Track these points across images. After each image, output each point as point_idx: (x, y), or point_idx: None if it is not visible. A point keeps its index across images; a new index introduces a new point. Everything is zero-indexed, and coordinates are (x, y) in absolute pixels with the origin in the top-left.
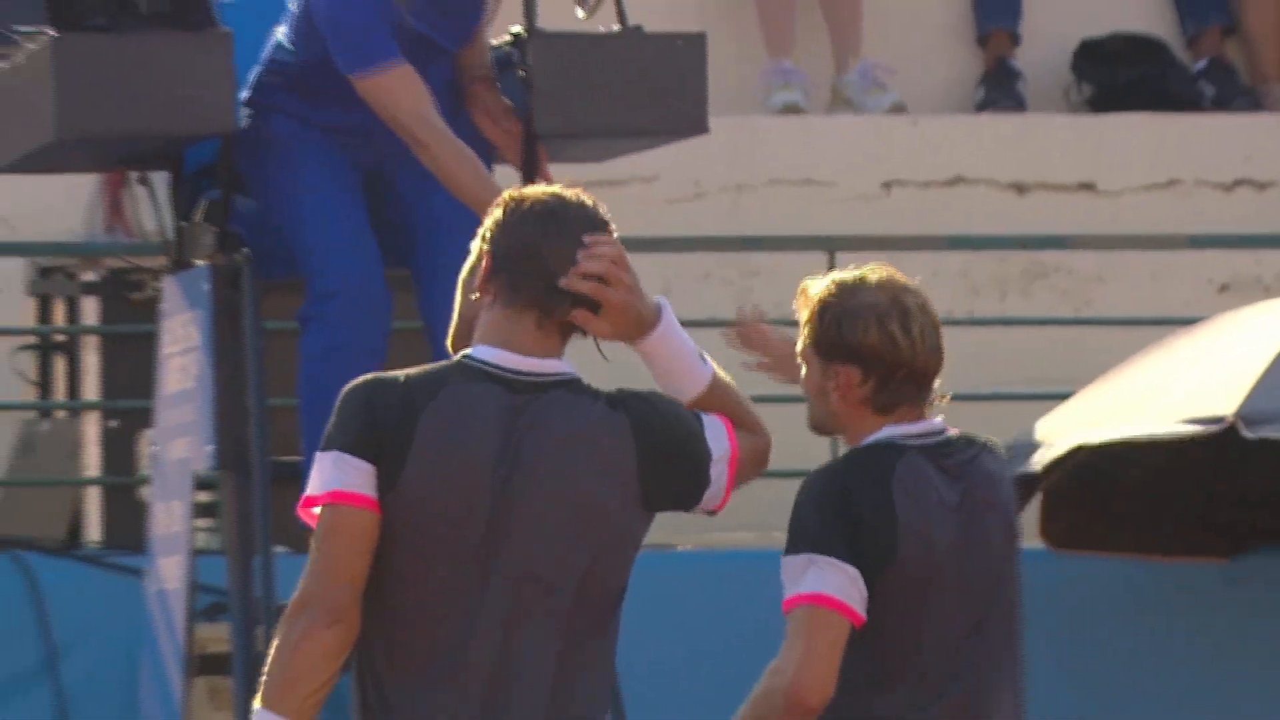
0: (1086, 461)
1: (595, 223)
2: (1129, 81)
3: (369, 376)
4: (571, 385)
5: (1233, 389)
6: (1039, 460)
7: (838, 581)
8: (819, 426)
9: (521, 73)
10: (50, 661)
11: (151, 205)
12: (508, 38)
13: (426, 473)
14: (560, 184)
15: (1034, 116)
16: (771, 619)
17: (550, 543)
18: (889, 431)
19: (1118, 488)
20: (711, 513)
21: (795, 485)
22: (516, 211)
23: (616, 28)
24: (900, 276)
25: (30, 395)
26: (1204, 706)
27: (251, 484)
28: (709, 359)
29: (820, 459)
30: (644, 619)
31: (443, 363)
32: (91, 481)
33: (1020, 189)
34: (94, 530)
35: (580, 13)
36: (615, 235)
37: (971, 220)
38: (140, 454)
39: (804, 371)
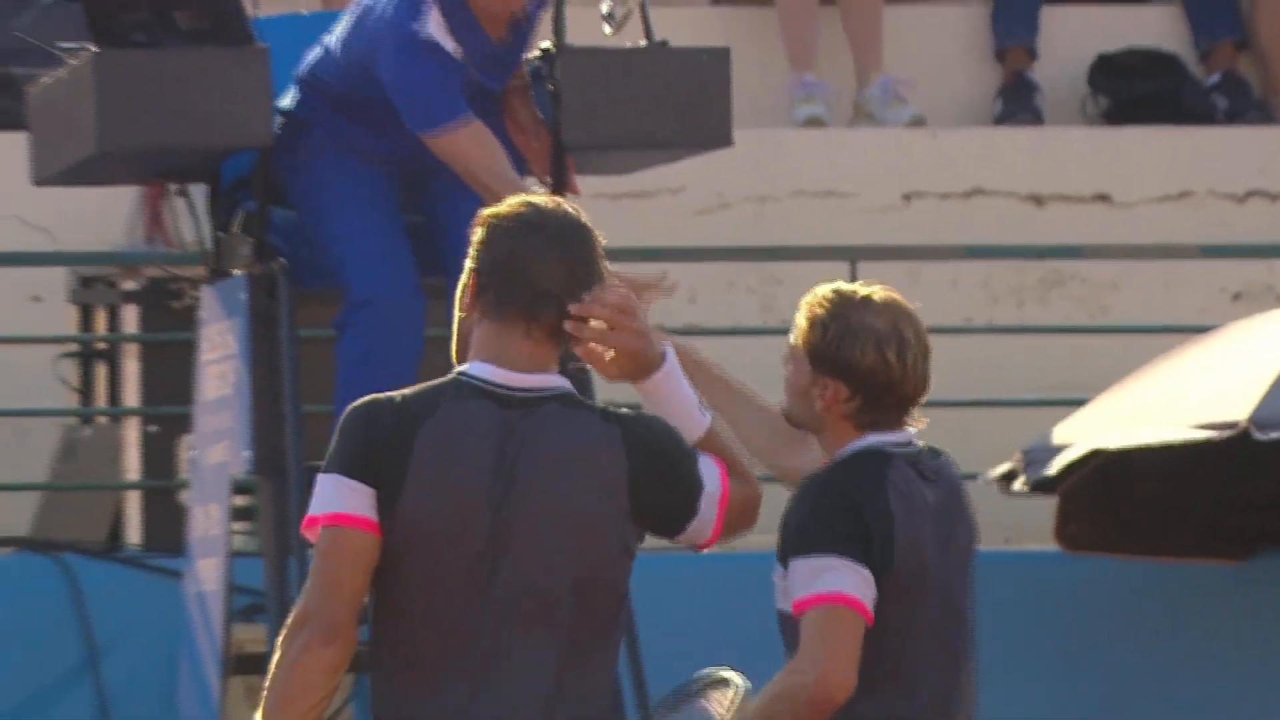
0: (1102, 466)
1: (572, 229)
2: (1144, 95)
3: (367, 399)
4: (564, 399)
5: (1245, 395)
6: (1057, 464)
7: (854, 582)
8: (795, 422)
9: (551, 87)
10: (92, 660)
11: (190, 216)
12: (538, 53)
13: (424, 493)
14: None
15: (1051, 129)
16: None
17: (548, 557)
18: (875, 439)
19: (1132, 492)
20: (698, 547)
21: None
22: (495, 228)
23: (643, 43)
24: (902, 301)
25: (72, 401)
26: (1216, 706)
27: (287, 488)
28: (708, 410)
29: None
30: (664, 621)
31: (438, 381)
32: (132, 486)
33: (1038, 200)
34: (134, 533)
35: (607, 29)
36: (602, 241)
37: (990, 230)
38: (179, 459)
39: (790, 367)
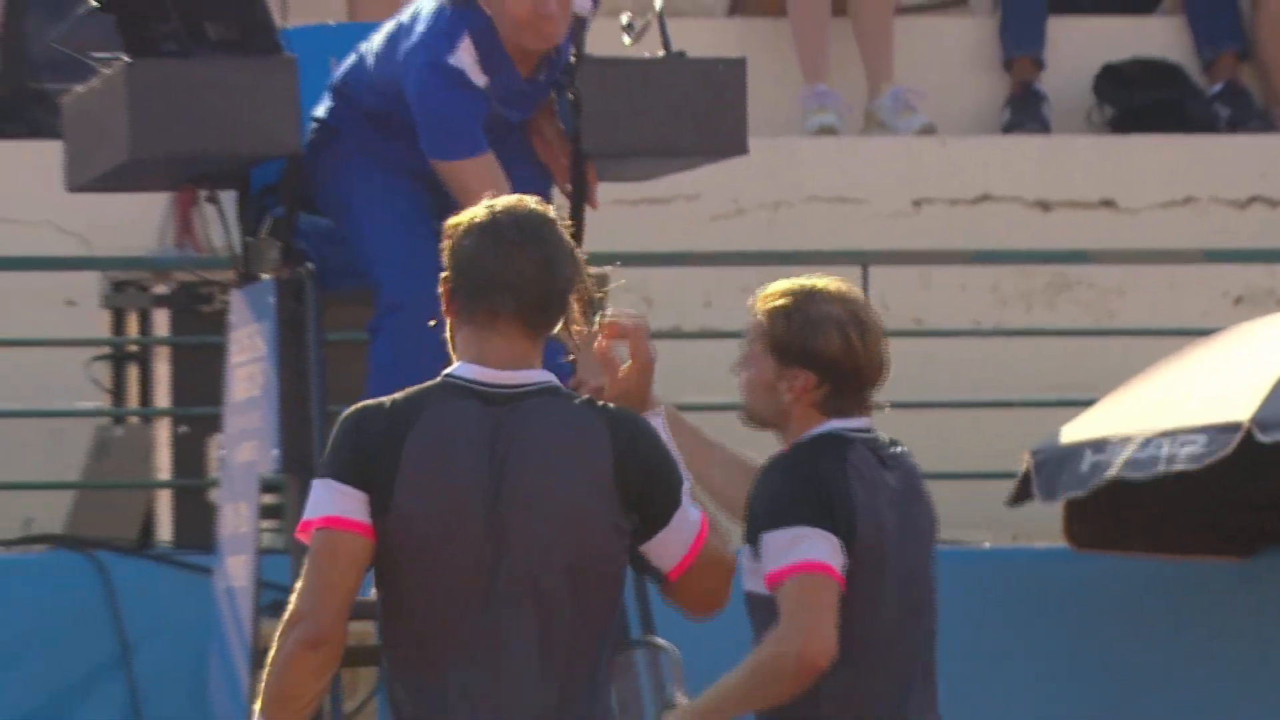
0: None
1: (530, 223)
2: (1148, 104)
3: (359, 405)
4: (548, 392)
5: (1248, 395)
6: (1088, 485)
7: (826, 550)
8: (758, 419)
9: (571, 96)
10: (124, 655)
11: (220, 222)
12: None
13: (416, 493)
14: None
15: (1057, 137)
16: None
17: (545, 548)
18: (834, 425)
19: (1138, 493)
20: (663, 578)
21: None
22: (455, 234)
23: (661, 54)
24: (853, 289)
25: (105, 402)
26: (1218, 703)
27: None
28: (688, 475)
29: None
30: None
31: (426, 384)
32: (163, 484)
33: (1045, 206)
34: (165, 530)
35: (627, 40)
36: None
37: (998, 236)
38: (209, 458)
39: (749, 368)
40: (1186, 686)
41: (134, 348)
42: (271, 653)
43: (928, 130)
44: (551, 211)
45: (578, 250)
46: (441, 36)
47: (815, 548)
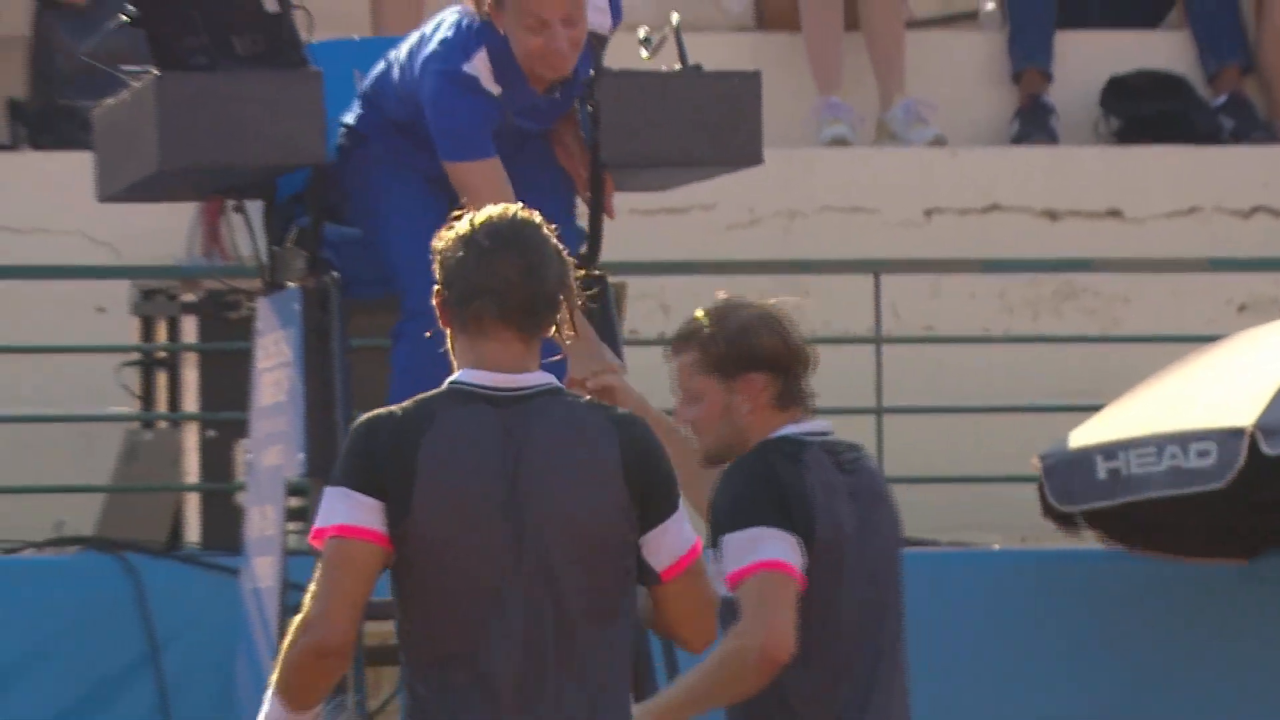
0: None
1: (509, 230)
2: (1154, 116)
3: (370, 414)
4: (552, 393)
5: (1251, 401)
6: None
7: (784, 549)
8: (719, 453)
9: (591, 108)
10: (153, 654)
11: (247, 231)
12: None
13: (434, 500)
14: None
15: (1065, 148)
16: None
17: (561, 547)
18: (788, 429)
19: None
20: (656, 578)
21: None
22: (442, 246)
23: (678, 67)
24: (757, 299)
25: (134, 407)
26: (1222, 703)
27: None
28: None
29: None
30: None
31: (433, 391)
32: (191, 488)
33: (1052, 216)
34: (193, 532)
35: (644, 53)
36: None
37: (1007, 245)
38: (236, 462)
39: (693, 407)
40: (1190, 687)
41: (163, 354)
42: (285, 643)
43: (938, 141)
44: (537, 218)
45: (566, 253)
46: (458, 47)
47: (774, 547)
